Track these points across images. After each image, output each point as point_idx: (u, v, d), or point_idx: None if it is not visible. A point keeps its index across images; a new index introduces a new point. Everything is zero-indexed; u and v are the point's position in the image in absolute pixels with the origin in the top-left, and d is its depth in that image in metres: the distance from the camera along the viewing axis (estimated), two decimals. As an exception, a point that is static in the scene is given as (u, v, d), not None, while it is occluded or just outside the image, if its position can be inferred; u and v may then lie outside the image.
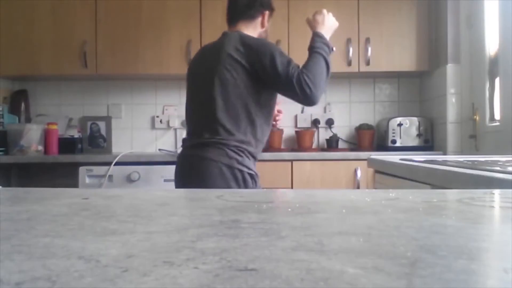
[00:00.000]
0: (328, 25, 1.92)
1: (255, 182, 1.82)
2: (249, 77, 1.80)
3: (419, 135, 2.92)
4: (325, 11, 1.94)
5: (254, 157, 1.85)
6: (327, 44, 1.86)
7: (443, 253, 0.30)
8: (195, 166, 1.80)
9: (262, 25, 1.99)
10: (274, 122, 2.06)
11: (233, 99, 1.80)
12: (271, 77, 1.79)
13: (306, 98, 1.78)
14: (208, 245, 0.33)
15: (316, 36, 1.87)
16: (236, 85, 1.80)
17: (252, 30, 1.96)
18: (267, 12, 1.99)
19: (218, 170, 1.75)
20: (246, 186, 1.78)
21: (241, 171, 1.77)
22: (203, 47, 2.08)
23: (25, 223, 0.42)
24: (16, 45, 3.02)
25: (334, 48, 1.91)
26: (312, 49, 1.84)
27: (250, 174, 1.80)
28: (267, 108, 1.89)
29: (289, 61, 1.79)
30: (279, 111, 2.08)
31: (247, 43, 1.82)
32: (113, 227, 0.40)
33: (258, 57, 1.79)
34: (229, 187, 1.75)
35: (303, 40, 2.95)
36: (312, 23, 1.94)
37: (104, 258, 0.29)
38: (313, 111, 3.21)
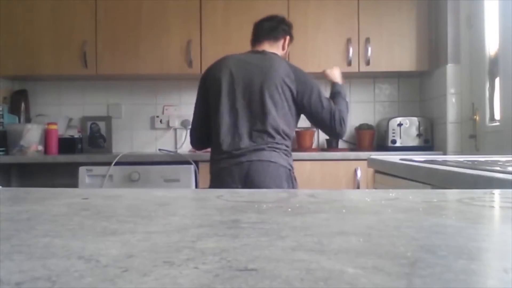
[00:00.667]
0: (340, 78, 2.29)
1: (296, 180, 2.07)
2: (293, 102, 2.05)
3: (419, 135, 2.92)
4: (338, 68, 2.33)
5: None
6: (345, 93, 2.22)
7: (443, 253, 0.30)
8: (256, 169, 1.94)
9: (283, 48, 2.24)
10: None
11: (280, 116, 2.01)
12: (315, 110, 2.06)
13: (340, 133, 2.11)
14: (208, 245, 0.33)
15: (339, 85, 2.22)
16: (283, 106, 2.02)
17: (276, 50, 2.19)
18: (288, 37, 2.25)
19: (276, 170, 1.95)
20: (293, 183, 2.03)
21: (290, 170, 2.02)
22: (231, 58, 2.12)
23: (25, 223, 0.42)
24: (16, 45, 3.02)
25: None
26: (339, 94, 2.17)
27: (294, 174, 2.05)
28: (296, 124, 2.16)
29: (328, 99, 2.11)
30: None
31: (297, 73, 2.08)
32: (113, 227, 0.40)
33: (308, 90, 2.05)
34: (281, 184, 1.96)
35: (303, 40, 2.97)
36: (330, 76, 2.28)
37: (104, 258, 0.29)
38: (313, 111, 3.21)
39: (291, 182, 2.01)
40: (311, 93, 2.05)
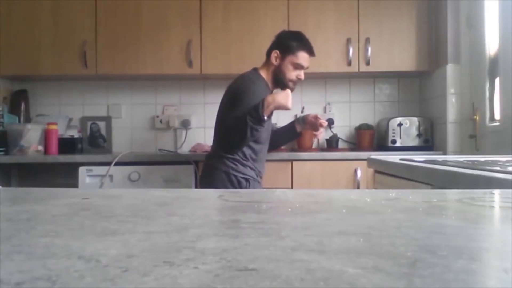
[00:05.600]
0: (278, 99, 2.10)
1: (249, 184, 2.24)
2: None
3: (419, 135, 2.92)
4: (288, 91, 2.16)
5: (250, 167, 2.23)
6: (256, 110, 2.06)
7: (443, 253, 0.30)
8: (202, 171, 2.36)
9: (272, 63, 2.29)
10: (315, 133, 2.46)
11: (222, 126, 2.24)
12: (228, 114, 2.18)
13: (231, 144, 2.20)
14: (208, 245, 0.33)
15: (261, 102, 2.08)
16: (226, 116, 2.21)
17: (266, 67, 2.32)
18: (277, 51, 2.28)
19: (218, 174, 2.21)
20: (240, 187, 2.21)
21: (235, 176, 2.20)
22: None
23: (25, 223, 0.42)
24: (16, 45, 3.01)
25: (266, 118, 2.09)
26: (249, 110, 2.08)
27: (245, 178, 2.22)
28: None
29: (244, 114, 2.06)
30: (320, 122, 2.45)
31: (237, 85, 2.23)
32: (113, 227, 0.40)
33: (233, 95, 2.20)
34: (218, 185, 2.18)
35: (303, 40, 2.96)
36: (277, 94, 2.15)
37: (104, 258, 0.29)
38: (313, 111, 3.20)
39: (233, 184, 2.20)
40: (231, 99, 2.18)
